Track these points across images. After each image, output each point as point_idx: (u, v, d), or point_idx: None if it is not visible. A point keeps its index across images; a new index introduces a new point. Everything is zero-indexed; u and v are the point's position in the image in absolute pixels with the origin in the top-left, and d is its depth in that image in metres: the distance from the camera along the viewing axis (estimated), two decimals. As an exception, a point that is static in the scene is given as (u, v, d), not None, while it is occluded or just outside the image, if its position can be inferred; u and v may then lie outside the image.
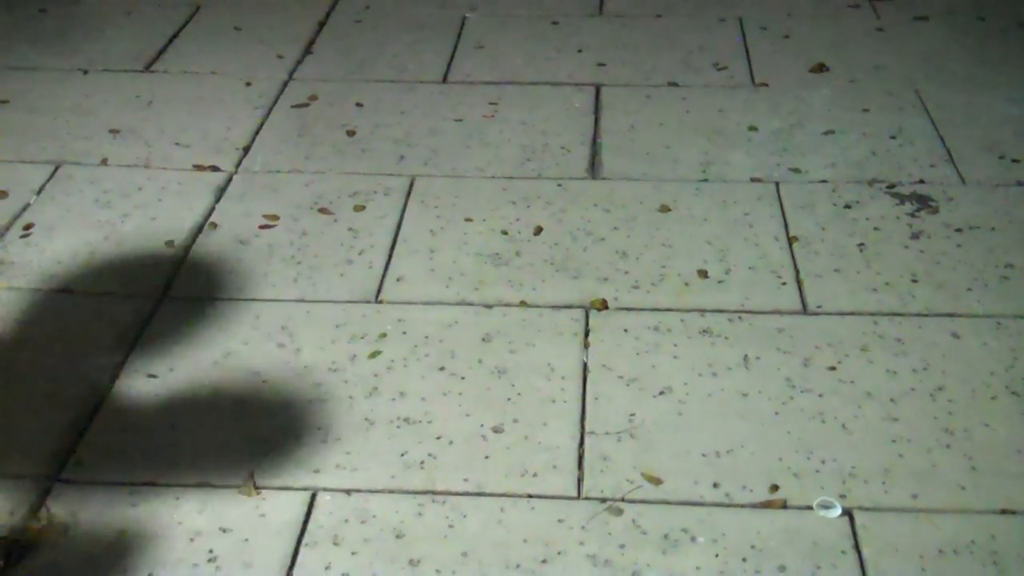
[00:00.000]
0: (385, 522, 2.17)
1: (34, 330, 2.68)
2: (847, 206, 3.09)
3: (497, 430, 2.38)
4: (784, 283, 2.80)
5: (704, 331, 2.64)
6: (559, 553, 2.10)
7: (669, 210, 3.08)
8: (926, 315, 2.69)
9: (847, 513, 2.17)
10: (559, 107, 3.63)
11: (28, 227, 3.02)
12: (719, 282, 2.81)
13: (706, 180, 3.22)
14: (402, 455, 2.32)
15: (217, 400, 2.46)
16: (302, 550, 2.12)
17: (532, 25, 4.19)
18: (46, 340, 2.65)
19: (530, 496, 2.22)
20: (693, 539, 2.13)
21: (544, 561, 2.09)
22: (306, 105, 3.65)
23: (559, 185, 3.20)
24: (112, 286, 2.81)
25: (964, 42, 4.02)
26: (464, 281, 2.82)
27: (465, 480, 2.26)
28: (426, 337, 2.63)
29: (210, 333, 2.66)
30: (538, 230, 3.00)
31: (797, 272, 2.84)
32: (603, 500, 2.21)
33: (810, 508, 2.18)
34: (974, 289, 2.77)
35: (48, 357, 2.59)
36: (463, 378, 2.51)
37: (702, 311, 2.71)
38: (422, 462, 2.30)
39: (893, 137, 3.43)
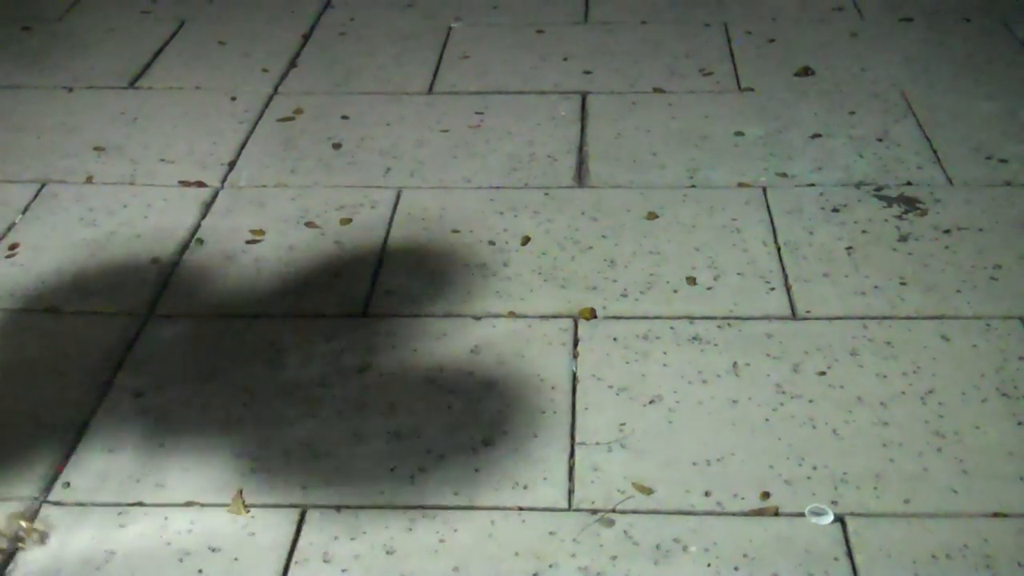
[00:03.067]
0: (375, 538, 2.16)
1: (20, 350, 2.67)
2: (835, 210, 3.09)
3: (487, 443, 2.37)
4: (773, 288, 2.79)
5: (693, 338, 2.64)
6: (551, 566, 2.09)
7: (656, 217, 3.08)
8: (915, 318, 2.68)
9: (839, 520, 2.16)
10: (545, 116, 3.62)
11: (13, 247, 3.01)
12: (708, 289, 2.80)
13: (693, 186, 3.22)
14: (392, 470, 2.31)
15: (205, 418, 2.45)
16: (292, 568, 2.10)
17: (517, 34, 4.19)
18: (32, 360, 2.63)
19: (521, 509, 2.21)
20: (685, 549, 2.12)
21: (536, 574, 2.07)
22: (291, 119, 3.64)
23: (546, 194, 3.20)
24: (98, 304, 2.80)
25: (949, 43, 4.02)
26: (452, 293, 2.81)
27: (455, 494, 2.25)
28: (415, 350, 2.62)
29: (197, 350, 2.65)
30: (525, 240, 3.00)
31: (785, 277, 2.83)
32: (594, 511, 2.20)
33: (802, 515, 2.17)
34: (963, 291, 2.77)
35: (34, 377, 2.57)
36: (452, 391, 2.50)
37: (691, 318, 2.70)
38: (412, 476, 2.29)
39: (880, 140, 3.42)
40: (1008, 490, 2.22)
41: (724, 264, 2.88)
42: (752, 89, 3.75)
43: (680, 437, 2.37)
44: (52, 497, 2.27)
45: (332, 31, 4.26)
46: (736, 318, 2.70)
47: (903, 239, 2.96)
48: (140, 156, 3.44)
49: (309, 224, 3.09)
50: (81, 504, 2.25)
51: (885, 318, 2.68)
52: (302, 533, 2.17)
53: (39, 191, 3.26)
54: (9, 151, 3.47)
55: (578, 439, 2.37)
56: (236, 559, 2.12)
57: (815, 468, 2.28)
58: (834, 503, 2.20)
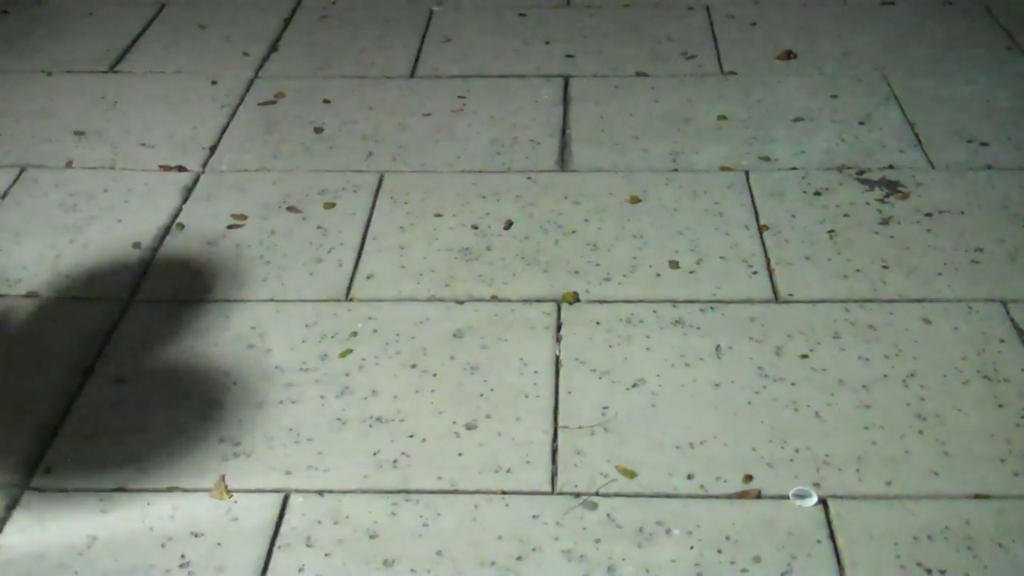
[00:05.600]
0: (358, 522, 2.15)
1: (0, 336, 2.65)
2: (817, 193, 3.09)
3: (470, 427, 2.36)
4: (755, 272, 2.80)
5: (676, 322, 2.64)
6: (534, 549, 2.09)
7: (639, 201, 3.07)
8: (897, 301, 2.69)
9: (822, 501, 2.17)
10: (528, 99, 3.61)
11: (-7, 232, 3.00)
12: (690, 272, 2.80)
13: (676, 170, 3.22)
14: (375, 454, 2.30)
15: (187, 403, 2.44)
16: (275, 552, 2.10)
17: (499, 17, 4.17)
18: (12, 346, 2.62)
19: (504, 492, 2.21)
20: (668, 531, 2.12)
21: (519, 558, 2.08)
22: (273, 103, 3.62)
23: (529, 178, 3.19)
24: (79, 290, 2.78)
25: (931, 26, 4.03)
26: (435, 277, 2.80)
27: (439, 478, 2.25)
28: (397, 335, 2.62)
29: (179, 335, 2.64)
30: (508, 224, 2.99)
31: (768, 260, 2.84)
32: (577, 495, 2.20)
33: (784, 498, 2.18)
34: (944, 274, 2.77)
35: (14, 363, 2.56)
36: (435, 375, 2.50)
37: (674, 302, 2.70)
38: (395, 461, 2.29)
39: (862, 123, 3.43)
40: (989, 472, 2.23)
41: (707, 248, 2.88)
42: (735, 73, 3.75)
43: (663, 420, 2.37)
44: (33, 483, 2.26)
45: (313, 15, 4.24)
46: (719, 301, 2.70)
47: (885, 222, 2.97)
48: (120, 141, 3.42)
49: (291, 208, 3.08)
50: (63, 490, 2.24)
51: (867, 301, 2.69)
52: (285, 518, 2.17)
53: (18, 176, 3.23)
54: (-12, 136, 3.46)
55: (561, 423, 2.37)
56: (219, 544, 2.12)
57: (797, 451, 2.29)
58: (816, 485, 2.20)
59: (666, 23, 4.10)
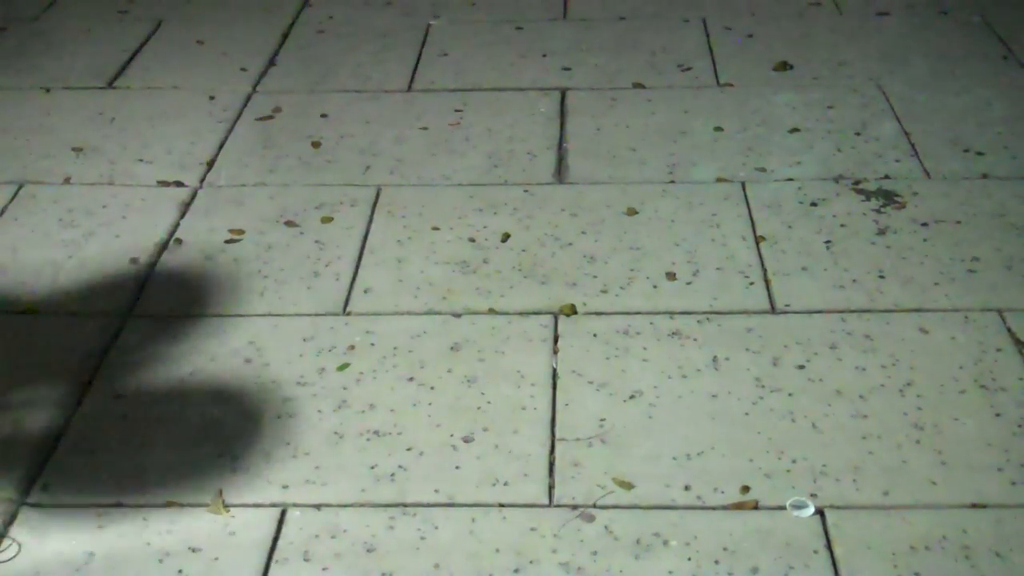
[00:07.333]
0: (356, 536, 2.15)
1: (-2, 353, 2.66)
2: (813, 204, 3.10)
3: (467, 440, 2.37)
4: (752, 283, 2.80)
5: (673, 333, 2.64)
6: (531, 562, 2.09)
7: (636, 213, 3.08)
8: (894, 311, 2.69)
9: (819, 512, 2.17)
10: (524, 112, 3.62)
11: (-9, 248, 3.00)
12: (687, 284, 2.80)
13: (672, 182, 3.22)
14: (372, 468, 2.30)
15: (184, 418, 2.44)
16: (273, 567, 2.10)
17: (496, 31, 4.19)
18: (10, 362, 2.62)
19: (501, 505, 2.21)
20: (665, 543, 2.12)
21: (517, 570, 2.08)
22: (270, 117, 3.63)
23: (526, 191, 3.20)
24: (77, 306, 2.79)
25: (926, 36, 4.04)
26: (432, 290, 2.81)
27: (436, 491, 2.25)
28: (395, 348, 2.62)
29: (176, 350, 2.64)
30: (505, 237, 3.00)
31: (765, 271, 2.84)
32: (575, 507, 2.20)
33: (782, 508, 2.18)
34: (941, 283, 2.78)
35: (12, 379, 2.56)
36: (432, 388, 2.50)
37: (671, 313, 2.71)
38: (392, 474, 2.29)
39: (858, 133, 3.44)
40: (986, 481, 2.23)
41: (703, 259, 2.89)
42: (731, 84, 3.76)
43: (660, 432, 2.37)
44: (31, 499, 2.26)
45: (311, 29, 4.25)
46: (715, 312, 2.71)
47: (881, 232, 2.97)
48: (118, 156, 3.42)
49: (288, 223, 3.08)
50: (60, 506, 2.24)
51: (864, 311, 2.69)
52: (282, 532, 2.17)
53: (16, 192, 3.24)
54: (-14, 152, 3.47)
55: (559, 435, 2.37)
56: (216, 559, 2.12)
57: (794, 461, 2.29)
58: (813, 496, 2.20)
59: (662, 35, 4.11)
